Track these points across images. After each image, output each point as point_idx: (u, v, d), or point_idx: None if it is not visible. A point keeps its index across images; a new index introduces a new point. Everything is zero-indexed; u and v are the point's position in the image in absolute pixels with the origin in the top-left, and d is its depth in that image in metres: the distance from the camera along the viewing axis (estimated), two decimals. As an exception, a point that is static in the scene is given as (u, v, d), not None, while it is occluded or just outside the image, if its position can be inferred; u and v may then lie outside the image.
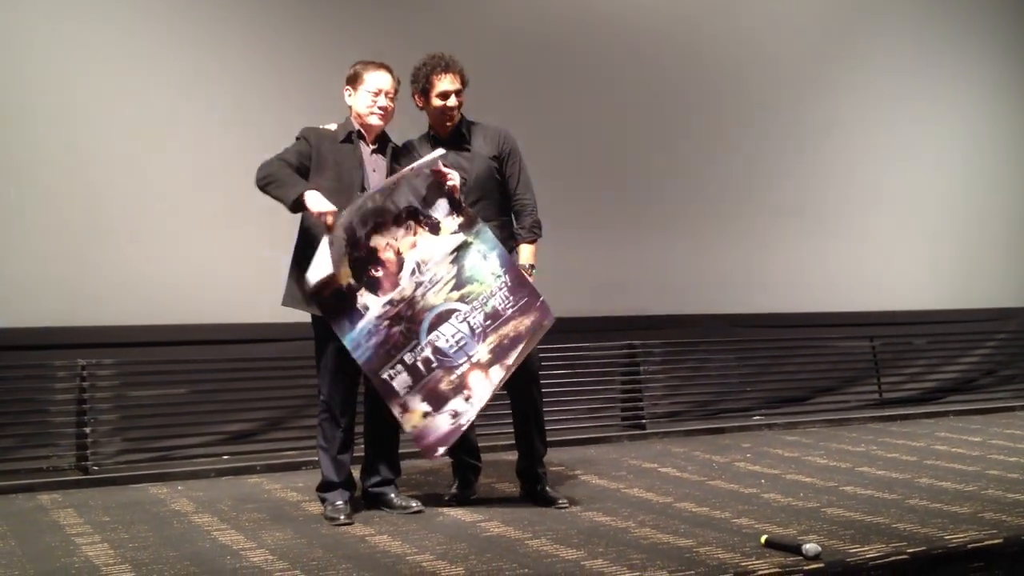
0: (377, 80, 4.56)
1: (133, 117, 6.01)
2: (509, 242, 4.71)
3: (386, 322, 4.39)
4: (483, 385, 4.46)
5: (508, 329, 4.50)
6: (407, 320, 4.42)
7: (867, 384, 7.96)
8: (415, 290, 4.45)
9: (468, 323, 4.48)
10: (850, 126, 8.39)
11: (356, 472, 4.69)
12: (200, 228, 6.12)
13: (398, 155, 4.68)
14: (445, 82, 4.60)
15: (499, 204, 4.73)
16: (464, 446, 4.84)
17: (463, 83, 4.65)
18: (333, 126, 4.61)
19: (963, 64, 8.93)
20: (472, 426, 4.86)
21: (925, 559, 3.72)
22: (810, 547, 3.65)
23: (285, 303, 4.54)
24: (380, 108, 4.55)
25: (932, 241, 8.71)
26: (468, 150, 4.69)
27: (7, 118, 5.74)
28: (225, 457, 5.85)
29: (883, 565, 3.63)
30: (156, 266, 5.99)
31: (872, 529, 4.07)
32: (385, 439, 4.67)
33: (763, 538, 3.88)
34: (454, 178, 4.48)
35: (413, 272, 4.46)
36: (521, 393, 4.73)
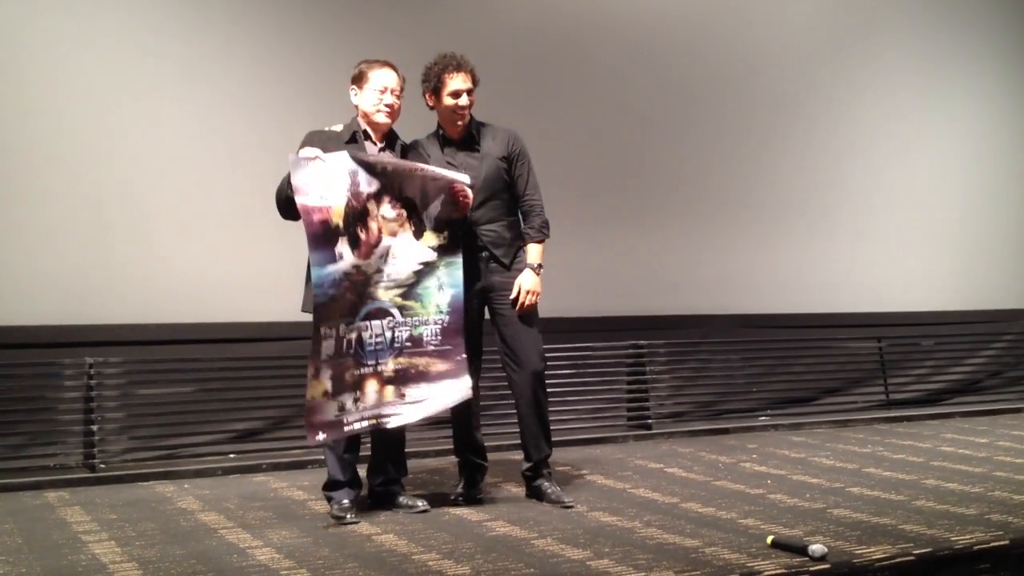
0: (383, 78, 4.56)
1: (140, 116, 6.03)
2: (516, 242, 4.73)
3: (347, 283, 4.34)
4: (373, 397, 4.44)
5: (420, 361, 4.54)
6: (357, 294, 4.39)
7: (874, 385, 7.95)
8: (375, 272, 4.43)
9: (393, 332, 4.49)
10: (858, 127, 8.38)
11: (362, 471, 4.69)
12: (207, 227, 6.14)
13: (406, 153, 4.69)
14: (456, 81, 4.60)
15: (507, 204, 4.74)
16: (470, 446, 4.85)
17: (474, 83, 4.65)
18: (339, 127, 4.61)
19: (970, 67, 8.92)
20: (478, 426, 4.88)
21: (931, 560, 3.72)
22: (816, 548, 3.64)
23: (304, 309, 4.51)
24: (387, 106, 4.55)
25: (939, 242, 8.71)
26: (477, 151, 4.70)
27: (14, 117, 5.76)
28: (231, 455, 5.86)
29: (889, 566, 3.63)
30: (163, 265, 6.00)
31: (878, 530, 4.07)
32: (391, 438, 4.68)
33: (769, 539, 3.88)
34: (469, 204, 4.55)
35: (382, 256, 4.46)
36: (525, 393, 4.73)
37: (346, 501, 4.49)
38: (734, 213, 7.83)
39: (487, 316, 4.82)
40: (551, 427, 4.85)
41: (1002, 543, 3.88)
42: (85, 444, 5.59)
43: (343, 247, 4.32)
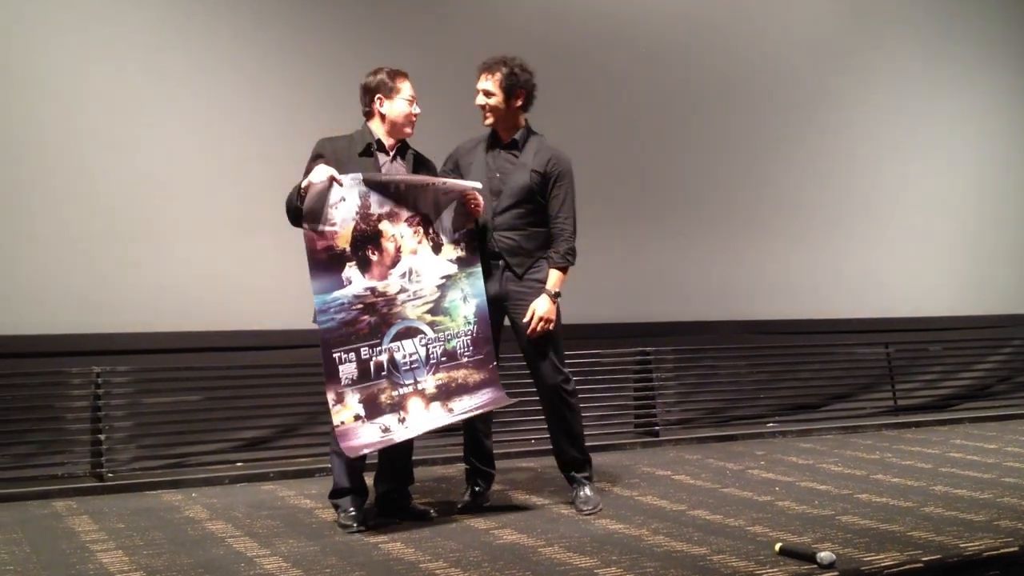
0: (410, 88, 4.60)
1: (149, 126, 6.04)
2: (536, 254, 4.72)
3: (360, 306, 4.35)
4: (420, 414, 4.48)
5: (459, 375, 4.59)
6: (380, 316, 4.40)
7: (882, 391, 7.93)
8: (399, 292, 4.45)
9: (427, 349, 4.52)
10: (864, 133, 8.38)
11: (369, 479, 4.69)
12: (215, 236, 6.14)
13: (419, 164, 4.69)
14: (478, 81, 4.71)
15: (531, 215, 4.71)
16: (477, 453, 4.85)
17: (499, 86, 4.66)
18: (349, 134, 4.62)
19: (978, 71, 8.91)
20: (487, 433, 4.88)
21: (940, 567, 3.71)
22: (824, 555, 3.64)
23: (314, 318, 4.50)
24: (415, 116, 4.61)
25: (947, 247, 8.69)
26: (517, 157, 4.72)
27: (23, 127, 5.77)
28: (239, 464, 5.87)
29: (898, 573, 3.62)
30: (171, 274, 6.01)
31: (887, 537, 4.06)
32: (399, 446, 4.68)
33: (777, 546, 3.87)
34: (480, 212, 4.58)
35: (404, 275, 4.47)
36: (546, 406, 4.77)
37: (352, 509, 4.49)
38: (740, 219, 7.82)
39: (507, 323, 4.82)
40: (578, 432, 4.82)
41: (1012, 549, 3.87)
42: (93, 453, 5.60)
43: (351, 271, 4.34)
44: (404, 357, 4.45)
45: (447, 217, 4.56)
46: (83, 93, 5.89)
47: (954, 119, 8.79)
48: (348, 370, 4.33)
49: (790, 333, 7.89)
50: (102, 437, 5.60)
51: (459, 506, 4.79)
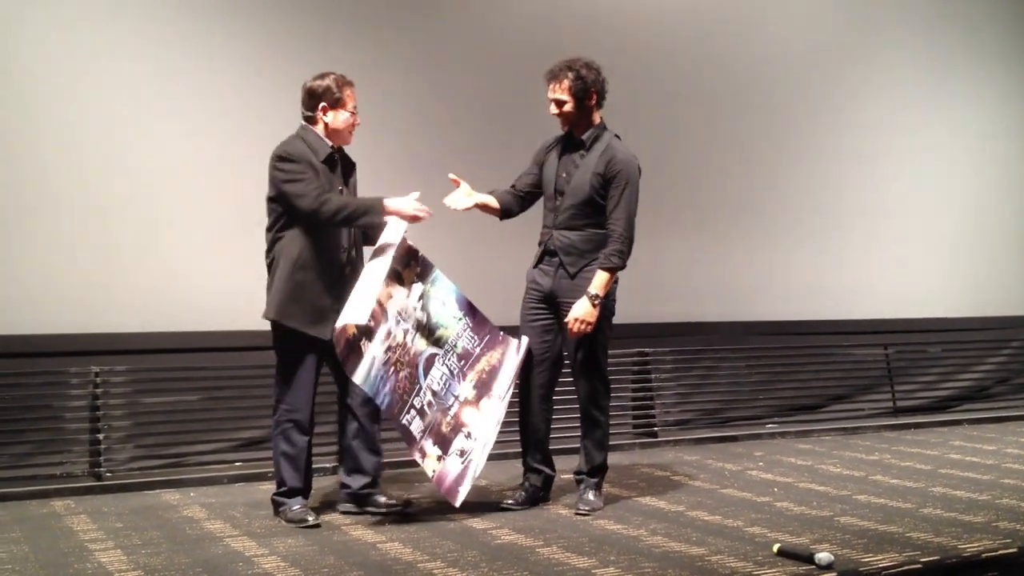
0: (354, 98, 4.68)
1: (147, 126, 6.04)
2: (589, 255, 4.72)
3: (392, 369, 4.42)
4: (478, 419, 4.62)
5: (482, 364, 4.75)
6: (407, 365, 4.50)
7: (881, 392, 7.93)
8: (405, 336, 4.52)
9: (447, 365, 4.64)
10: (865, 134, 8.37)
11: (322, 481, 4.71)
12: (213, 236, 6.14)
13: (348, 164, 4.79)
14: (548, 91, 4.76)
15: (590, 216, 4.73)
16: (541, 453, 4.92)
17: (570, 93, 4.69)
18: (299, 137, 4.68)
19: (977, 72, 8.91)
20: (548, 433, 4.93)
21: (939, 568, 3.71)
22: (823, 556, 3.64)
23: (279, 316, 4.53)
24: (355, 125, 4.71)
25: (947, 249, 8.69)
26: (583, 157, 4.76)
27: (21, 128, 5.77)
28: (237, 463, 5.86)
29: (896, 574, 3.62)
30: (169, 274, 6.01)
31: (886, 538, 4.06)
32: (368, 439, 4.71)
33: (776, 547, 3.88)
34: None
35: (398, 321, 4.52)
36: (581, 403, 4.84)
37: (301, 506, 4.56)
38: (739, 220, 7.82)
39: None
40: (600, 433, 4.84)
41: (1010, 551, 3.87)
42: (91, 452, 5.60)
43: (368, 346, 4.36)
44: (438, 384, 4.59)
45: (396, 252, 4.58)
46: (81, 95, 5.89)
47: (955, 121, 8.79)
48: (417, 425, 4.46)
49: (789, 334, 7.90)
50: (100, 436, 5.61)
51: (509, 503, 4.81)
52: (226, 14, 6.32)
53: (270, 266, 4.63)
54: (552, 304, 4.78)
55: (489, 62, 6.88)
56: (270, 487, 5.33)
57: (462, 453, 4.53)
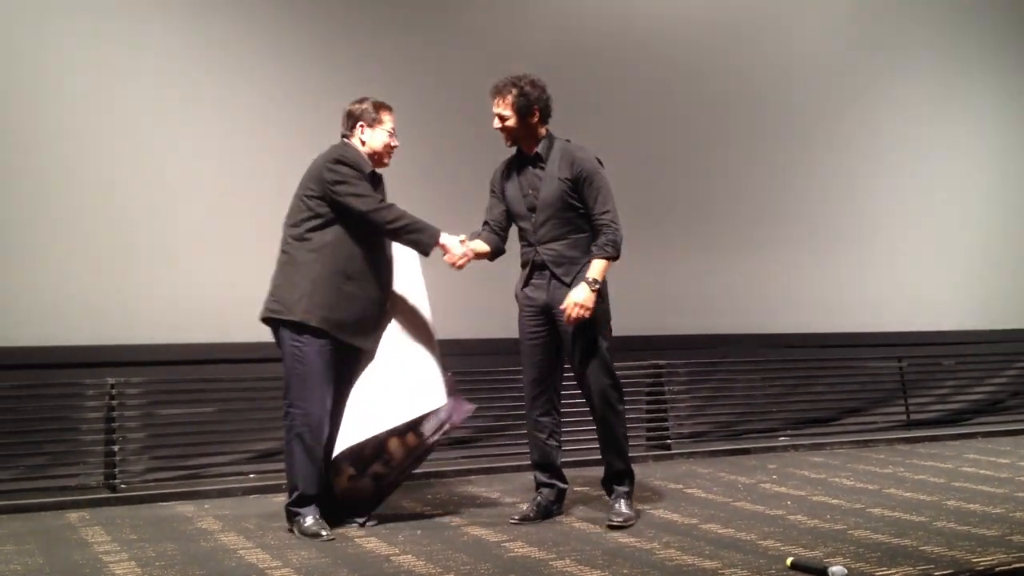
0: (391, 121, 4.78)
1: (162, 137, 6.09)
2: (580, 260, 4.71)
3: None
4: (401, 451, 4.82)
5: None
6: None
7: (895, 405, 7.91)
8: None
9: None
10: (878, 148, 8.38)
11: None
12: (229, 248, 6.17)
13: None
14: (493, 106, 4.76)
15: (570, 223, 4.73)
16: (551, 468, 4.91)
17: (512, 108, 4.70)
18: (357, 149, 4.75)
19: (994, 82, 8.94)
20: (559, 446, 4.93)
21: (952, 582, 3.70)
22: (836, 570, 3.63)
23: (325, 326, 4.56)
24: (394, 148, 4.80)
25: (961, 262, 8.67)
26: (543, 169, 4.75)
27: (36, 140, 5.82)
28: (252, 476, 5.88)
29: (910, 588, 3.62)
30: (184, 285, 6.04)
31: (899, 552, 4.05)
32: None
33: (789, 561, 3.86)
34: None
35: None
36: (595, 409, 4.78)
37: (316, 517, 4.57)
38: (753, 233, 7.82)
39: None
40: (620, 441, 4.81)
41: (1024, 565, 3.85)
42: (106, 464, 5.63)
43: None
44: None
45: None
46: (101, 107, 5.95)
47: (969, 135, 8.80)
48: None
49: (803, 347, 7.89)
50: (115, 448, 5.64)
51: (517, 519, 4.79)
52: (248, 28, 6.38)
53: (285, 262, 4.66)
54: (549, 316, 4.75)
55: (496, 70, 6.89)
56: (284, 499, 5.35)
57: (376, 477, 4.82)
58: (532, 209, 4.75)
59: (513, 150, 4.87)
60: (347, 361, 4.67)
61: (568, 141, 4.82)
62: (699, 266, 7.60)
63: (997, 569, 3.79)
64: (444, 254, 4.74)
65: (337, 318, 4.56)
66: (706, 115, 7.74)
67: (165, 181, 6.07)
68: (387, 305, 4.77)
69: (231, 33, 6.34)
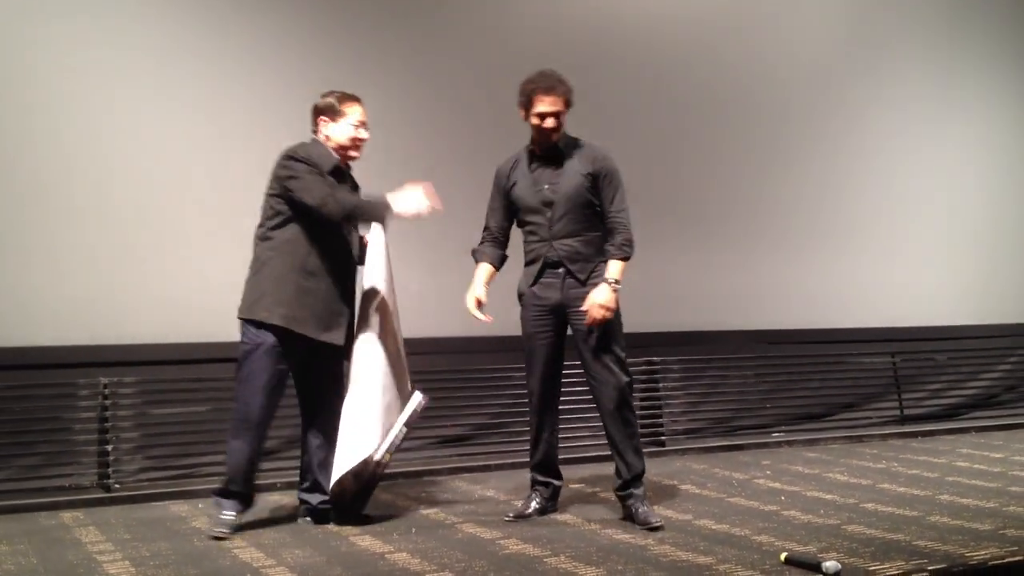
0: (359, 112, 4.72)
1: (157, 139, 6.08)
2: (595, 258, 4.69)
3: None
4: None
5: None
6: None
7: (888, 400, 7.93)
8: None
9: None
10: (872, 142, 8.40)
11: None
12: (221, 248, 6.14)
13: (356, 190, 4.83)
14: (544, 104, 4.63)
15: (586, 220, 4.70)
16: (550, 467, 4.89)
17: (565, 105, 4.66)
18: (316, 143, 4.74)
19: (985, 77, 8.96)
20: (556, 445, 4.92)
21: (946, 576, 3.71)
22: (830, 564, 3.63)
23: (287, 323, 4.55)
24: (362, 140, 4.74)
25: (954, 257, 8.69)
26: (561, 166, 4.71)
27: (33, 139, 5.81)
28: (246, 475, 5.87)
29: (904, 583, 3.62)
30: (177, 285, 6.03)
31: (892, 546, 4.06)
32: (326, 457, 4.73)
33: (783, 555, 3.87)
34: None
35: None
36: (607, 408, 4.70)
37: (233, 513, 4.55)
38: (747, 229, 7.83)
39: (569, 332, 4.78)
40: (634, 439, 4.76)
41: (1017, 559, 3.85)
42: (100, 464, 5.62)
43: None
44: None
45: None
46: (94, 108, 5.93)
47: (963, 130, 8.82)
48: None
49: (796, 343, 7.90)
50: (109, 448, 5.63)
51: (511, 517, 4.77)
52: (244, 30, 6.38)
53: (252, 261, 4.67)
54: (558, 315, 4.72)
55: (494, 68, 6.90)
56: (278, 498, 5.36)
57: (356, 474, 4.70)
58: (547, 204, 4.69)
59: (519, 145, 4.82)
60: (322, 357, 4.68)
61: (580, 139, 4.80)
62: (692, 263, 7.60)
63: (990, 563, 3.80)
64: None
65: (299, 315, 4.55)
66: (698, 113, 7.74)
67: (157, 181, 6.05)
68: (353, 299, 4.73)
69: (225, 33, 6.33)
